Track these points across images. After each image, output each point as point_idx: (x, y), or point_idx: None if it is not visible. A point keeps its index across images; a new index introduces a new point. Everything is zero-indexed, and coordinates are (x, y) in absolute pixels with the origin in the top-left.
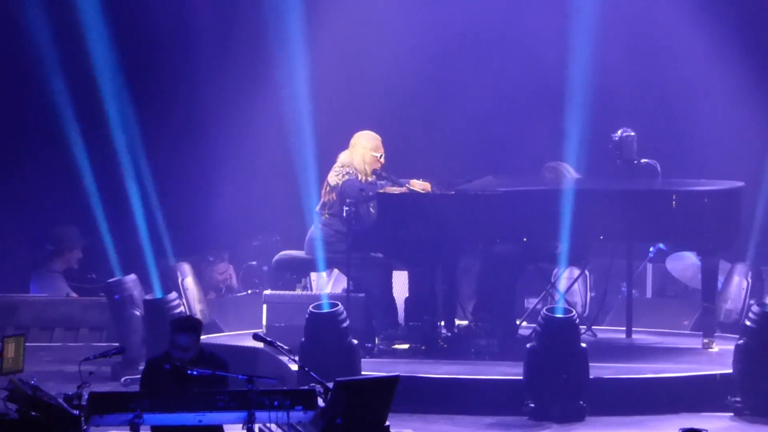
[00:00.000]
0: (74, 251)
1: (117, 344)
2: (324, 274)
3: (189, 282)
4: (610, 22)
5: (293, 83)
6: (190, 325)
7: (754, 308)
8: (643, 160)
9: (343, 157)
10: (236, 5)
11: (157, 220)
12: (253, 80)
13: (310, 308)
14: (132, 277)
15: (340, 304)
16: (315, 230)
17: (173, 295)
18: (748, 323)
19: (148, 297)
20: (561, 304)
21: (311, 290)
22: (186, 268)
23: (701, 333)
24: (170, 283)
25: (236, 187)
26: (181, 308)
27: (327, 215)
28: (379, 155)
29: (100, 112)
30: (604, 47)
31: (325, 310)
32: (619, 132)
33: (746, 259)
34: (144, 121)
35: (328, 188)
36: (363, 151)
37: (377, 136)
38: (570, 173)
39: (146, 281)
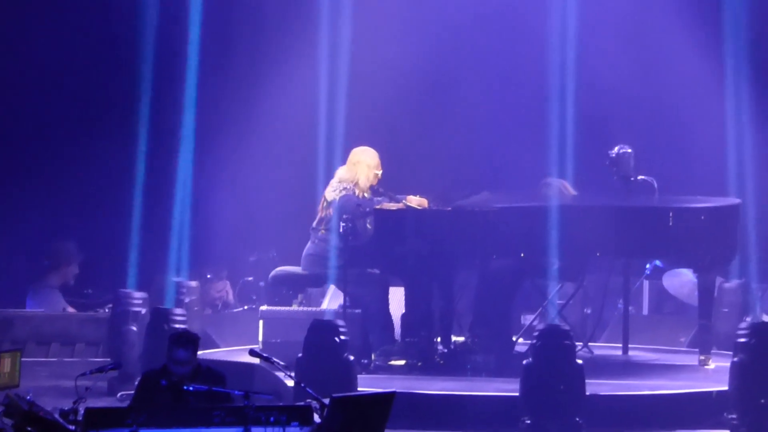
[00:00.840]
0: (71, 266)
1: (111, 360)
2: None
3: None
4: (608, 39)
5: (290, 101)
6: (189, 339)
7: (744, 324)
8: (640, 177)
9: (342, 172)
10: (233, 29)
11: (155, 236)
12: (248, 97)
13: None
14: (142, 294)
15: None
16: (312, 246)
17: (180, 310)
18: (741, 339)
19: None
20: (557, 321)
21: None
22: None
23: (698, 350)
24: (169, 298)
25: (233, 203)
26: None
27: (324, 231)
28: (380, 172)
29: (99, 127)
30: (601, 63)
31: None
32: (616, 148)
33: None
34: (139, 135)
35: (324, 204)
36: (366, 169)
37: (377, 153)
38: (567, 190)
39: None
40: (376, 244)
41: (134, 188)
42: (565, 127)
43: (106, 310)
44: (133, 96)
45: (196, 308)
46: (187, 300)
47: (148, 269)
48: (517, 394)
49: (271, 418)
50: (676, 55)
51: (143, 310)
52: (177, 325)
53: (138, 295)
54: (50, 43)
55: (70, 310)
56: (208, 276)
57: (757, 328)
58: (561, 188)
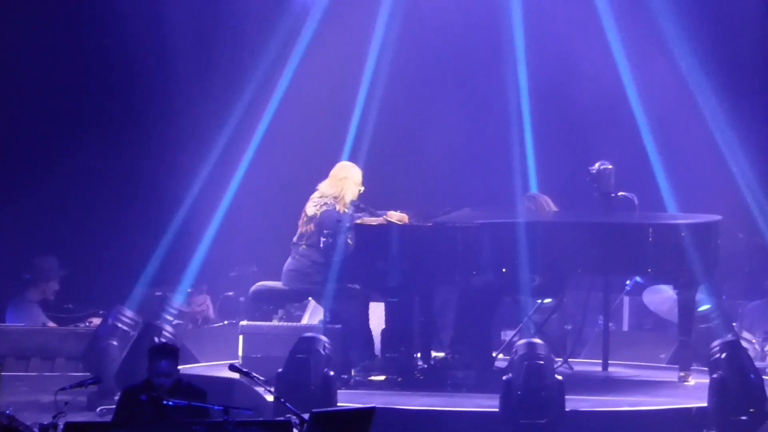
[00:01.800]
0: (50, 282)
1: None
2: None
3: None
4: (588, 56)
5: (269, 111)
6: (169, 350)
7: (717, 341)
8: (620, 193)
9: (324, 187)
10: (213, 41)
11: (135, 250)
12: (227, 108)
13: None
14: (133, 314)
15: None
16: (292, 261)
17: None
18: (717, 356)
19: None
20: (537, 337)
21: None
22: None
23: (677, 366)
24: (152, 312)
25: (214, 218)
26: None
27: (304, 246)
28: (362, 189)
29: (81, 142)
30: (581, 79)
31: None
32: (597, 165)
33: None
34: (120, 149)
35: (305, 219)
36: (354, 186)
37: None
38: (549, 205)
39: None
40: (356, 259)
41: (116, 203)
42: (546, 144)
43: (87, 325)
44: (113, 112)
45: (176, 323)
46: (171, 317)
47: (129, 283)
48: (497, 410)
49: None
50: (658, 71)
51: (131, 332)
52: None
53: (129, 314)
54: (26, 56)
55: (51, 324)
56: (189, 290)
57: (727, 345)
58: (543, 203)
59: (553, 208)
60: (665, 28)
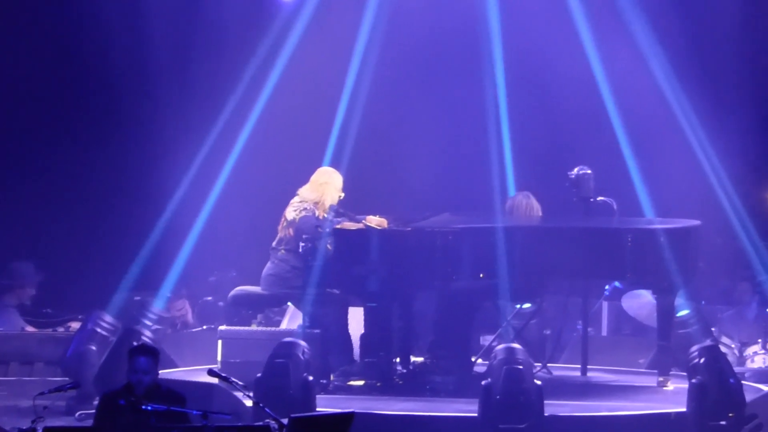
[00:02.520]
0: (26, 288)
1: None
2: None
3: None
4: (564, 62)
5: (251, 117)
6: (149, 349)
7: (696, 346)
8: (599, 198)
9: (305, 192)
10: (194, 45)
11: (115, 255)
12: (209, 113)
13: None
14: (113, 320)
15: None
16: (271, 266)
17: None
18: (696, 361)
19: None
20: (516, 342)
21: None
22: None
23: (657, 371)
24: (131, 317)
25: (193, 223)
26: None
27: (283, 251)
28: (342, 195)
29: (59, 146)
30: (559, 85)
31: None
32: (576, 170)
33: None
34: (100, 154)
35: (285, 224)
36: (334, 191)
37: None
38: (533, 204)
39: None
40: (335, 264)
41: (97, 208)
42: (525, 149)
43: (66, 329)
44: (94, 116)
45: (156, 327)
46: (151, 321)
47: (109, 288)
48: (476, 414)
49: None
50: (636, 76)
51: (110, 337)
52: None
53: (109, 319)
54: (4, 57)
55: (29, 329)
56: (168, 295)
57: (706, 350)
58: (527, 203)
59: (537, 205)
60: (641, 33)
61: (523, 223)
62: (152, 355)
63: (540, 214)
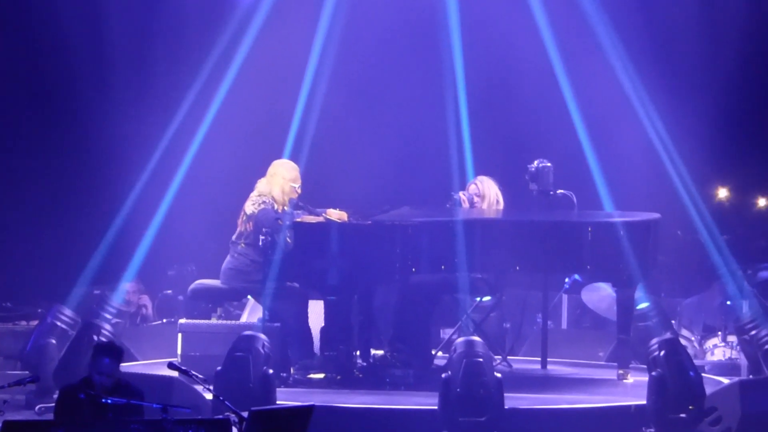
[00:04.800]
0: None
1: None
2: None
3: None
4: (522, 56)
5: (210, 111)
6: (114, 350)
7: (656, 339)
8: (559, 191)
9: (261, 185)
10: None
11: (72, 247)
12: (168, 107)
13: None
14: (72, 313)
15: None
16: (231, 260)
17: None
18: (655, 354)
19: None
20: (476, 335)
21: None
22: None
23: (616, 364)
24: (91, 311)
25: (151, 216)
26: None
27: (243, 245)
28: (297, 186)
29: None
30: (518, 78)
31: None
32: (536, 163)
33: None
34: (56, 146)
35: (244, 217)
36: (282, 181)
37: (296, 167)
38: (495, 190)
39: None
40: (295, 257)
41: (56, 202)
42: (484, 143)
43: (26, 323)
44: (52, 109)
45: (115, 321)
46: (110, 315)
47: (68, 282)
48: (436, 408)
49: (190, 431)
50: (594, 69)
51: (70, 330)
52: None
53: (69, 313)
54: None
55: None
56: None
57: (666, 342)
58: (496, 192)
59: (497, 190)
60: (601, 26)
61: (483, 217)
62: (116, 356)
63: (501, 200)
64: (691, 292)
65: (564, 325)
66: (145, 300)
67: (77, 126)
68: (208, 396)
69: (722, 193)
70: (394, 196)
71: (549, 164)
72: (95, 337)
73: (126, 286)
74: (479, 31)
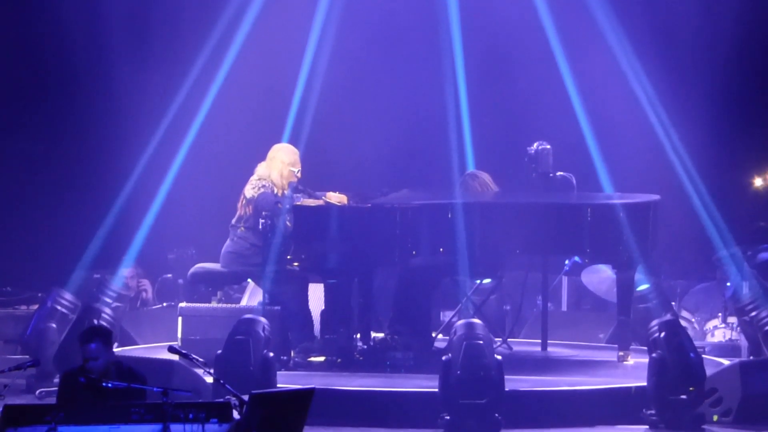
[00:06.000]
0: None
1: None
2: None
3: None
4: (522, 37)
5: (209, 94)
6: (95, 332)
7: (656, 320)
8: (558, 173)
9: (261, 169)
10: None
11: (72, 232)
12: (167, 91)
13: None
14: (72, 297)
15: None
16: (231, 243)
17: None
18: (656, 335)
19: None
20: (476, 317)
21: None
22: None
23: (616, 346)
24: (88, 294)
25: (151, 200)
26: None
27: (243, 228)
28: (296, 170)
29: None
30: (517, 60)
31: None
32: (535, 145)
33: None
34: (55, 131)
35: (244, 201)
36: (281, 165)
37: (295, 151)
38: (490, 184)
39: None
40: (295, 240)
41: (55, 185)
42: (484, 125)
43: (27, 308)
44: (52, 93)
45: (115, 305)
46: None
47: (68, 266)
48: (436, 390)
49: (190, 415)
50: (594, 51)
51: (70, 314)
52: (105, 323)
53: (69, 297)
54: None
55: None
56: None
57: (666, 324)
58: (485, 181)
59: (494, 186)
60: (601, 9)
61: (483, 199)
62: (101, 337)
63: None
64: (689, 275)
65: (564, 307)
66: (146, 284)
67: (77, 110)
68: (209, 379)
69: (758, 182)
70: (393, 179)
71: (548, 146)
72: (95, 321)
73: (125, 271)
74: (478, 13)
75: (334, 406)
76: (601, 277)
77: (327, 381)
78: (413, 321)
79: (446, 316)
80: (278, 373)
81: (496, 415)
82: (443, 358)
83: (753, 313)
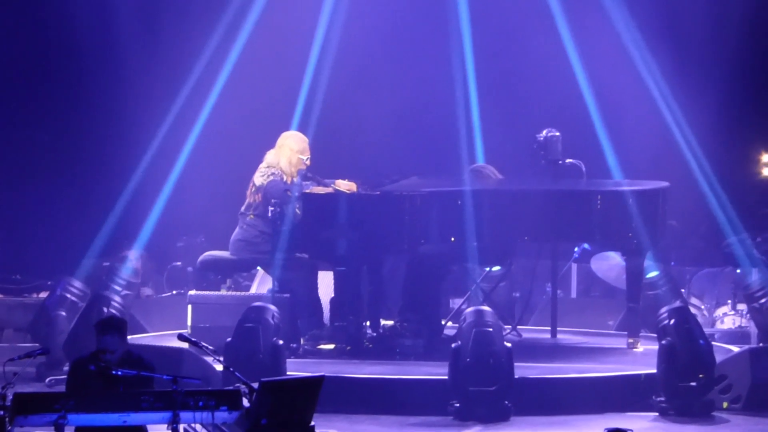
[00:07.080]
0: None
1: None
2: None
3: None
4: (531, 24)
5: (218, 82)
6: (113, 325)
7: (665, 307)
8: (568, 160)
9: (270, 157)
10: (159, 8)
11: (81, 220)
12: (176, 79)
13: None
14: (82, 285)
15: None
16: (240, 231)
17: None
18: (665, 322)
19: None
20: (486, 305)
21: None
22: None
23: (626, 333)
24: (98, 282)
25: (160, 187)
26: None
27: (252, 216)
28: (305, 158)
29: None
30: (527, 47)
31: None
32: (544, 132)
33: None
34: (64, 119)
35: (253, 189)
36: (290, 153)
37: (305, 138)
38: (495, 176)
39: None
40: (304, 228)
41: (65, 174)
42: (493, 112)
43: (36, 296)
44: (61, 82)
45: (125, 293)
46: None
47: (78, 254)
48: (446, 377)
49: (200, 403)
50: (603, 39)
51: (79, 302)
52: (114, 311)
53: (78, 285)
54: None
55: None
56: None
57: (675, 311)
58: (489, 174)
59: (499, 177)
60: None
61: (492, 186)
62: (118, 330)
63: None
64: (698, 261)
65: (573, 294)
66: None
67: (86, 98)
68: (218, 367)
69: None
70: (402, 166)
71: (557, 133)
72: (105, 309)
73: (131, 254)
74: (488, 1)
75: (343, 394)
76: (610, 264)
77: (336, 368)
78: (423, 308)
79: (455, 303)
80: (288, 360)
81: (506, 402)
82: (453, 345)
83: (762, 300)
